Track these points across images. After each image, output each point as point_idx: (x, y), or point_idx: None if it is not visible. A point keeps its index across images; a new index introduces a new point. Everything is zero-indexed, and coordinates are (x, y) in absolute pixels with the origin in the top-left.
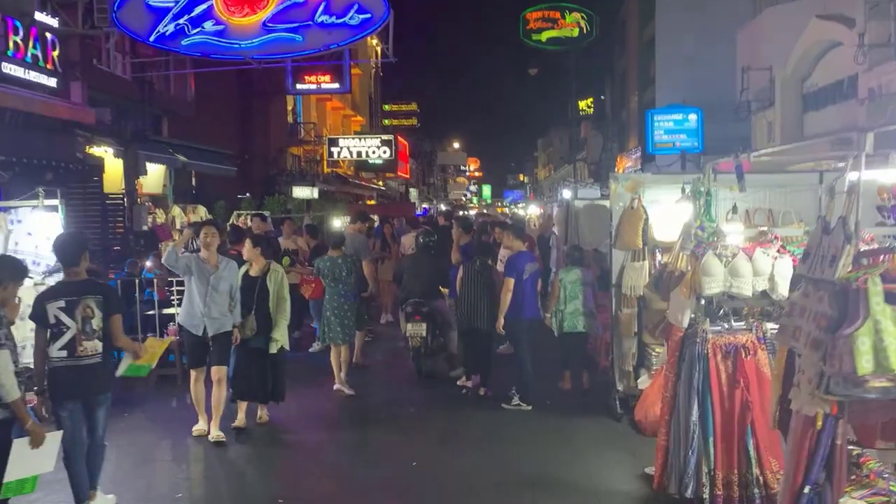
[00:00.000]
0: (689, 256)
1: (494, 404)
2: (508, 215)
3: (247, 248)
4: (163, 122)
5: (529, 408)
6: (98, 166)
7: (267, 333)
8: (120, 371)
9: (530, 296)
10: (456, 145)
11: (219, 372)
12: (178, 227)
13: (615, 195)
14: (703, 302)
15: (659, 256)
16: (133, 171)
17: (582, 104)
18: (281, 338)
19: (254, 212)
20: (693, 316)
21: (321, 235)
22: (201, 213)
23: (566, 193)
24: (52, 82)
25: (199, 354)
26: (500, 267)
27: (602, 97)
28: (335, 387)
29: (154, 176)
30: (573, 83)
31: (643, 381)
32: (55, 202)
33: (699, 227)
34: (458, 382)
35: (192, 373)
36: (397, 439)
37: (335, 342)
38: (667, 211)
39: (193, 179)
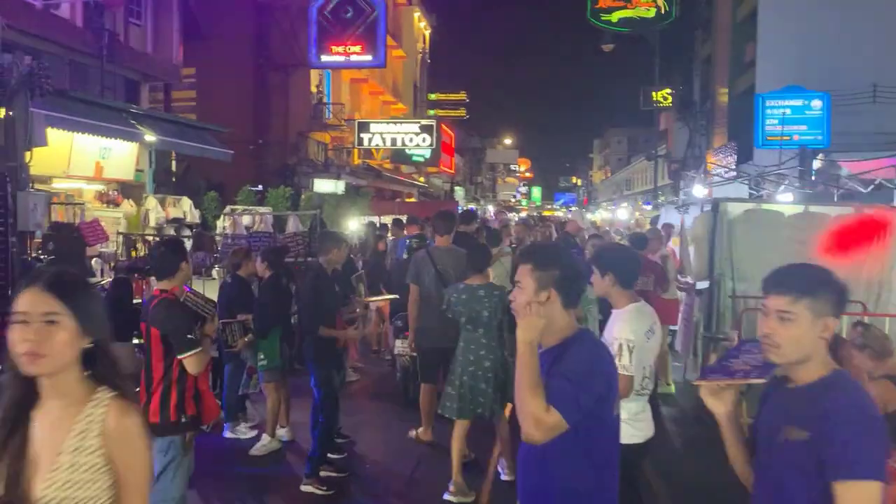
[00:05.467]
0: None
1: None
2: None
3: None
4: (141, 89)
5: None
6: None
7: None
8: None
9: None
10: (507, 142)
11: None
12: (151, 223)
13: None
14: None
15: None
16: (22, 139)
17: (656, 95)
18: None
19: (251, 207)
20: None
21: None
22: (185, 206)
23: (698, 191)
24: None
25: None
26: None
27: (681, 87)
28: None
29: (122, 156)
30: (656, 70)
31: None
32: None
33: None
34: None
35: None
36: None
37: (483, 413)
38: None
39: (174, 163)
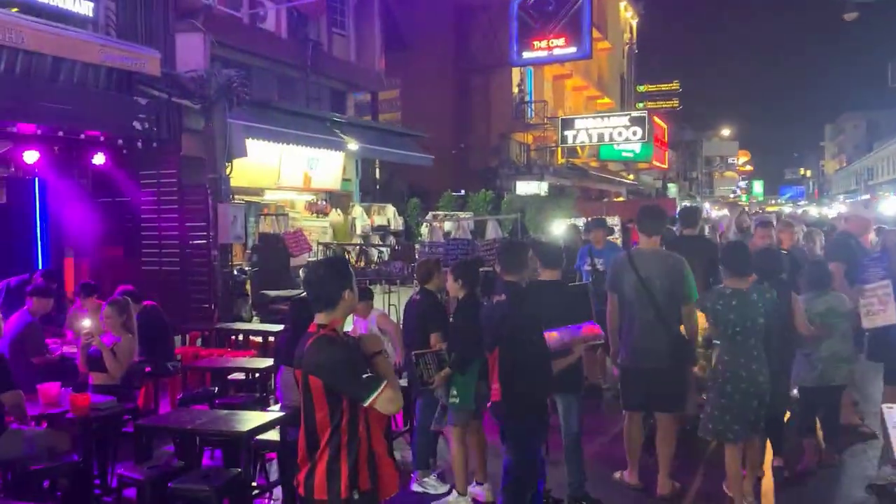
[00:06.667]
0: None
1: None
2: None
3: None
4: (346, 98)
5: None
6: (173, 142)
7: None
8: None
9: None
10: (725, 133)
11: None
12: (358, 231)
13: None
14: None
15: None
16: (223, 151)
17: None
18: None
19: (451, 213)
20: None
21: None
22: (389, 214)
23: None
24: (85, 8)
25: None
26: None
27: None
28: None
29: (330, 166)
30: None
31: None
32: None
33: None
34: None
35: None
36: None
37: (738, 436)
38: None
39: (377, 171)
